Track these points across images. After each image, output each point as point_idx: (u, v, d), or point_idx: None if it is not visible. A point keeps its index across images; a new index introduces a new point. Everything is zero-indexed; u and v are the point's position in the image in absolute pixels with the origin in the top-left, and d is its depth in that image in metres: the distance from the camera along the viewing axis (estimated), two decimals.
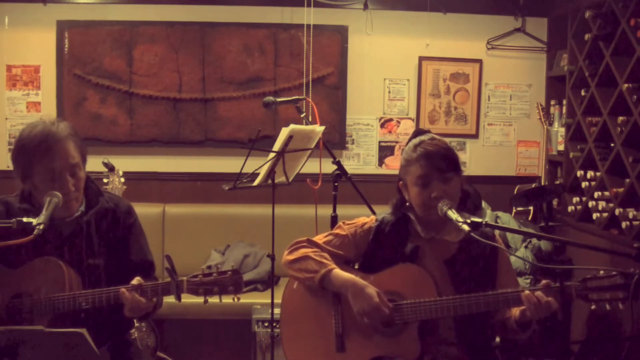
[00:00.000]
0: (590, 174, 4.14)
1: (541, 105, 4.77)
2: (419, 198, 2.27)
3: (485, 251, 2.31)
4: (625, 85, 3.68)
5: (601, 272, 2.08)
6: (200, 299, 2.15)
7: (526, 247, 4.15)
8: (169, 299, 2.21)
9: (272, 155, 3.27)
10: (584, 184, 4.17)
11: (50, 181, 2.16)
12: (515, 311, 2.22)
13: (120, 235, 2.33)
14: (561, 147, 4.57)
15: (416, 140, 2.32)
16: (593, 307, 2.10)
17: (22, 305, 2.17)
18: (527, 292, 2.10)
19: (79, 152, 2.22)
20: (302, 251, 2.40)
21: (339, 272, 2.32)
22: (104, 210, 2.31)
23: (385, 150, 4.88)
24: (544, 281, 2.13)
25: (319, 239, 2.46)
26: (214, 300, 2.15)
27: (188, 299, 2.18)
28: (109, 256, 2.30)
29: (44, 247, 2.21)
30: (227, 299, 2.17)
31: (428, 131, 2.39)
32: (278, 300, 2.60)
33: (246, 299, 2.10)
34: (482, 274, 2.30)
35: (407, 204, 2.37)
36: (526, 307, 2.11)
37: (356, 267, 2.47)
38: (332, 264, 2.35)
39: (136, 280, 2.16)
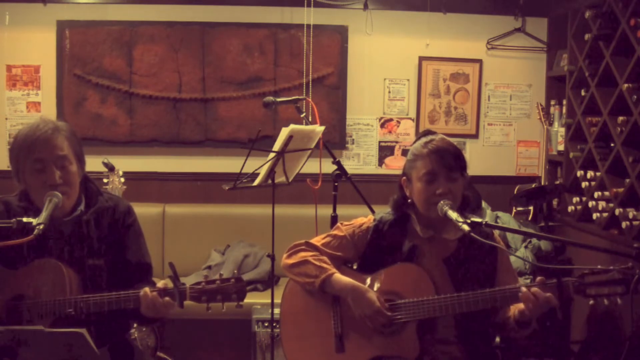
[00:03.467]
0: (590, 174, 4.14)
1: (541, 105, 4.76)
2: (423, 194, 2.27)
3: (485, 249, 2.30)
4: (625, 85, 3.68)
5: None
6: None
7: (526, 247, 4.15)
8: None
9: (272, 155, 3.26)
10: (584, 184, 4.17)
11: (37, 173, 2.16)
12: (515, 310, 2.22)
13: (119, 234, 2.32)
14: (561, 147, 4.57)
15: (426, 138, 2.32)
16: (591, 302, 2.10)
17: (24, 307, 2.16)
18: (524, 289, 2.10)
19: (69, 147, 2.20)
20: (302, 255, 2.40)
21: (339, 277, 2.32)
22: (103, 209, 2.31)
23: (385, 150, 4.88)
24: (539, 278, 2.13)
25: (317, 240, 2.46)
26: (215, 303, 2.13)
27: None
28: (109, 256, 2.29)
29: (43, 246, 2.21)
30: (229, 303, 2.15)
31: (437, 133, 2.39)
32: (278, 300, 2.60)
33: (246, 299, 2.10)
34: (481, 272, 2.30)
35: (409, 200, 2.37)
36: (524, 305, 2.11)
37: (354, 267, 2.47)
38: (331, 268, 2.35)
39: (162, 284, 2.16)
